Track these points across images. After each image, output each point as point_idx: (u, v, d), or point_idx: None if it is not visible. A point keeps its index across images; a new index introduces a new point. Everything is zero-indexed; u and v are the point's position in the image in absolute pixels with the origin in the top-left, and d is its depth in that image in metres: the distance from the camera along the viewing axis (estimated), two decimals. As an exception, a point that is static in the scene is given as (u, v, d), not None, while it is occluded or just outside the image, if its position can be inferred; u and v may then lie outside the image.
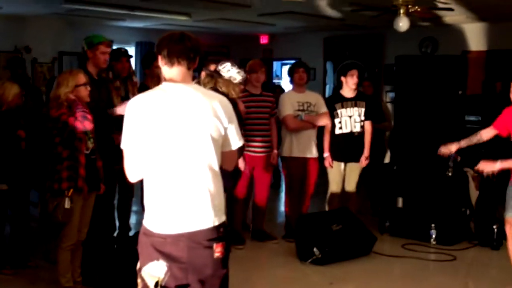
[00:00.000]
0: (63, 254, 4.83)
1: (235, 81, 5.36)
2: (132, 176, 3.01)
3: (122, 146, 2.98)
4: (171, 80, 3.04)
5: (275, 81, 14.85)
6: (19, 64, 7.45)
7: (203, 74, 5.68)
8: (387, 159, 8.27)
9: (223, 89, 5.25)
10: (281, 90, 9.69)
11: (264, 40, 14.32)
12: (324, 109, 6.78)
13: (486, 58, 10.98)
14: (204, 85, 5.23)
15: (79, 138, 4.68)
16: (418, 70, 10.60)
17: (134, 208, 6.76)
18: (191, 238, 2.92)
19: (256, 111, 6.52)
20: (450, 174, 6.86)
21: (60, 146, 4.67)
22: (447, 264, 6.17)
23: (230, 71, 5.35)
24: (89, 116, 4.68)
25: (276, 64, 15.09)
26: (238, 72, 5.42)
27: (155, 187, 2.98)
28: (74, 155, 4.67)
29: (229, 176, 3.82)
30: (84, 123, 4.64)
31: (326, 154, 6.87)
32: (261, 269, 6.10)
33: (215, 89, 5.17)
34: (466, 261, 6.19)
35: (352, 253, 6.19)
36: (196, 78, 5.31)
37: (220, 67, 5.39)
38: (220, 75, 5.33)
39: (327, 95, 12.50)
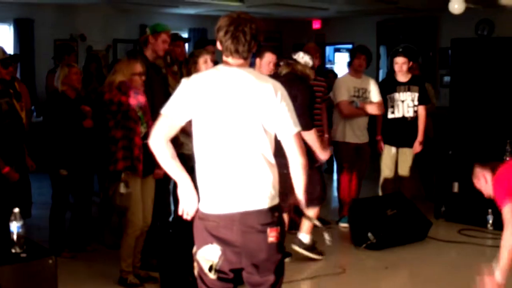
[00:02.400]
0: (127, 240, 4.89)
1: (310, 66, 5.54)
2: (155, 139, 2.97)
3: (163, 111, 2.99)
4: (226, 63, 3.03)
5: (328, 66, 14.74)
6: (67, 51, 7.54)
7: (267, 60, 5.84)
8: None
9: (302, 71, 5.45)
10: (334, 75, 9.61)
11: (316, 25, 14.20)
12: (378, 97, 6.73)
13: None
14: (281, 71, 5.50)
15: (134, 120, 4.73)
16: (474, 53, 10.33)
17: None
18: (243, 221, 2.92)
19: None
20: (507, 158, 6.68)
21: (114, 128, 4.73)
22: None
23: (304, 57, 5.50)
24: (140, 92, 4.73)
25: (329, 49, 14.95)
26: (310, 58, 5.56)
27: (207, 169, 3.00)
28: (129, 136, 4.72)
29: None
30: (137, 97, 4.69)
31: (378, 138, 6.80)
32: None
33: (293, 73, 5.39)
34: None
35: (407, 238, 6.14)
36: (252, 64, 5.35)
37: (294, 56, 5.57)
38: (296, 62, 5.48)
39: (380, 79, 12.36)
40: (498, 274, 3.61)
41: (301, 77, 5.45)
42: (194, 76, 3.07)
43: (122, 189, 4.71)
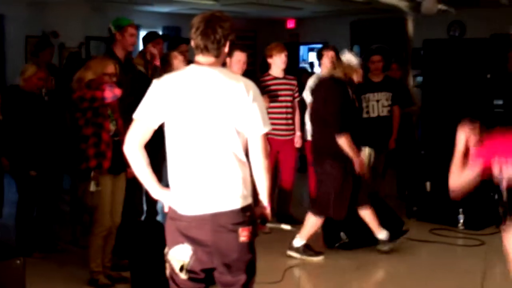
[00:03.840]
0: (95, 240, 4.82)
1: (353, 64, 5.54)
2: (129, 146, 2.98)
3: (135, 115, 2.98)
4: (198, 63, 3.01)
5: (302, 65, 14.77)
6: (41, 47, 7.42)
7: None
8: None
9: (345, 73, 5.47)
10: (308, 74, 9.60)
11: (291, 24, 14.23)
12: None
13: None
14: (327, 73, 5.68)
15: (103, 116, 4.66)
16: (446, 54, 10.42)
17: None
18: (215, 220, 2.92)
19: (279, 94, 6.51)
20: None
21: (85, 126, 4.66)
22: (475, 249, 6.09)
23: (347, 56, 5.56)
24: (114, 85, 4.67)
25: (303, 49, 14.99)
26: (355, 56, 5.63)
27: (178, 170, 2.99)
28: (99, 133, 4.65)
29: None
30: (113, 90, 4.62)
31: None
32: (286, 254, 6.07)
33: (332, 75, 5.53)
34: (495, 246, 6.05)
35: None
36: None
37: (341, 56, 5.66)
38: (340, 61, 5.57)
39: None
40: None
41: (338, 80, 5.45)
42: (165, 77, 3.04)
43: (92, 187, 4.65)
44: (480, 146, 3.74)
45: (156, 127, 2.99)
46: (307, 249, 5.68)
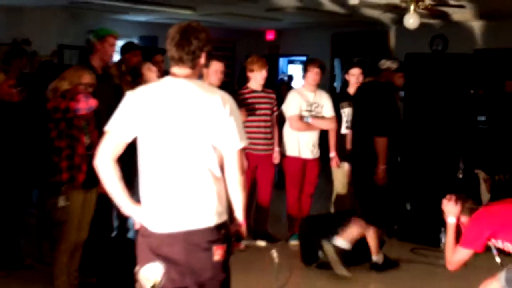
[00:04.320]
0: (60, 256, 4.73)
1: (393, 69, 5.79)
2: (100, 159, 2.97)
3: (107, 127, 2.97)
4: (173, 75, 2.99)
5: (281, 77, 14.82)
6: (13, 55, 7.32)
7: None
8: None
9: (386, 78, 5.74)
10: (287, 87, 9.63)
11: (270, 36, 14.29)
12: (331, 112, 6.75)
13: (494, 57, 10.90)
14: (364, 80, 5.98)
15: (78, 128, 4.61)
16: (428, 68, 10.52)
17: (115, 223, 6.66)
18: (188, 238, 2.90)
19: (257, 108, 6.51)
20: (460, 176, 6.79)
21: (58, 138, 4.59)
22: (458, 271, 6.09)
23: (385, 64, 5.80)
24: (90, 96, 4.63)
25: (282, 61, 15.04)
26: (392, 62, 5.86)
27: (151, 185, 2.98)
28: (73, 145, 4.60)
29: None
30: (88, 101, 4.58)
31: (333, 154, 6.82)
32: (264, 273, 6.03)
33: (376, 81, 5.76)
34: (477, 267, 6.08)
35: (358, 258, 6.11)
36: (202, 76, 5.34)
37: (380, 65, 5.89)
38: (377, 69, 5.80)
39: (334, 92, 12.45)
40: None
41: (382, 84, 5.72)
42: (139, 89, 3.03)
43: (62, 202, 4.58)
44: (470, 223, 3.85)
45: (129, 140, 2.97)
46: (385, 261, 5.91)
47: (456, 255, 3.96)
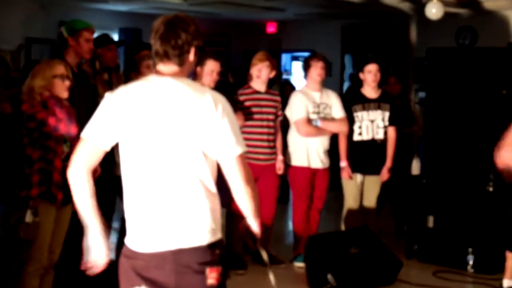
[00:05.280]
0: (29, 280, 4.74)
1: None
2: (74, 169, 3.00)
3: (83, 134, 3.00)
4: (159, 73, 3.02)
5: (283, 76, 14.81)
6: None
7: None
8: (416, 170, 8.23)
9: None
10: (291, 88, 9.66)
11: (271, 28, 14.31)
12: (341, 113, 6.78)
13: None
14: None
15: (55, 138, 4.65)
16: (454, 65, 10.54)
17: (115, 225, 6.72)
18: (178, 259, 2.91)
19: (260, 112, 6.55)
20: (491, 189, 6.82)
21: (30, 147, 4.64)
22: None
23: None
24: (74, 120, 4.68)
25: (285, 57, 15.06)
26: None
27: (135, 200, 2.99)
28: (47, 158, 4.64)
29: (226, 188, 3.80)
30: (70, 127, 4.63)
31: (344, 164, 6.86)
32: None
33: None
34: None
35: (373, 281, 6.19)
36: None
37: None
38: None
39: (344, 93, 12.48)
40: None
41: None
42: (120, 90, 3.05)
43: (29, 217, 4.59)
44: None
45: (107, 149, 3.00)
46: None
47: None
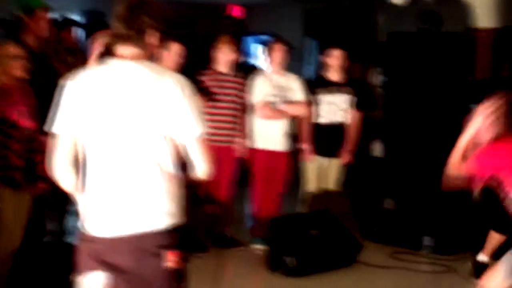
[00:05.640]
0: None
1: None
2: (56, 169, 3.01)
3: (54, 128, 2.99)
4: (120, 56, 3.01)
5: (247, 59, 14.78)
6: None
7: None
8: (377, 152, 8.28)
9: None
10: (256, 71, 9.64)
11: (236, 11, 14.25)
12: (302, 96, 6.80)
13: (496, 38, 11.02)
14: None
15: (11, 123, 4.60)
16: (415, 50, 10.60)
17: (72, 207, 6.66)
18: (137, 243, 2.91)
19: (223, 93, 6.57)
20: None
21: None
22: (442, 276, 6.25)
23: None
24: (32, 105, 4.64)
25: (249, 40, 15.00)
26: None
27: (94, 184, 2.98)
28: (5, 143, 4.59)
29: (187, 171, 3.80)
30: (29, 122, 4.59)
31: (305, 147, 6.88)
32: (225, 281, 6.09)
33: None
34: (464, 274, 6.22)
35: (332, 263, 6.23)
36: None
37: None
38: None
39: (307, 77, 12.45)
40: None
41: None
42: (80, 75, 3.02)
43: None
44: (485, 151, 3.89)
45: (81, 137, 2.99)
46: None
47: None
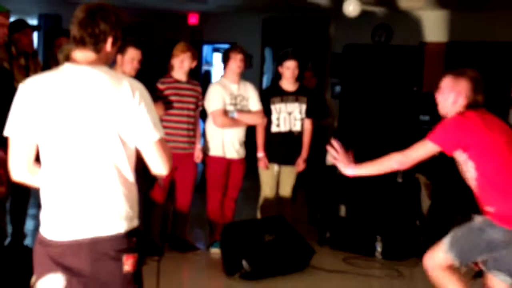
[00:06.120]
0: None
1: None
2: (15, 171, 3.00)
3: (7, 132, 2.95)
4: (75, 61, 2.99)
5: (204, 67, 14.79)
6: None
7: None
8: (330, 162, 8.35)
9: None
10: (213, 79, 9.66)
11: (193, 19, 14.22)
12: (258, 105, 6.82)
13: (446, 51, 11.22)
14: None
15: None
16: (368, 61, 10.73)
17: (31, 211, 6.60)
18: (94, 247, 2.89)
19: (180, 101, 6.55)
20: (400, 180, 6.98)
21: None
22: (393, 282, 6.31)
23: None
24: None
25: (206, 48, 15.02)
26: None
27: (51, 186, 2.96)
28: None
29: (144, 175, 3.79)
30: None
31: (261, 154, 6.90)
32: (182, 284, 6.10)
33: None
34: (415, 279, 6.31)
35: (286, 268, 6.26)
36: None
37: None
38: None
39: (264, 86, 12.49)
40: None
41: None
42: (32, 80, 3.00)
43: None
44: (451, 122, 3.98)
45: (38, 141, 2.96)
46: None
47: (417, 148, 4.06)
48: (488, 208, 4.06)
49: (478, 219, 4.16)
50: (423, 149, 4.08)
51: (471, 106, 4.10)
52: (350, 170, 4.18)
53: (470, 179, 4.10)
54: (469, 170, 4.07)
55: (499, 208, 4.01)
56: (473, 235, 4.09)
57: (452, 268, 4.20)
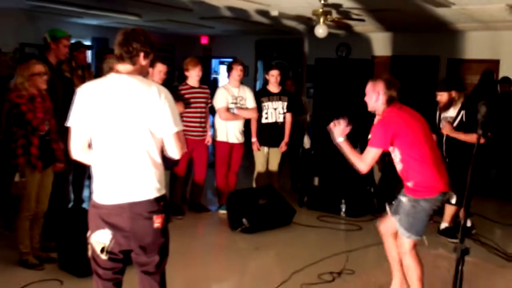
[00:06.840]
0: (21, 223, 4.66)
1: None
2: (74, 152, 2.98)
3: (69, 123, 2.94)
4: (118, 72, 2.96)
5: (213, 76, 14.78)
6: None
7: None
8: (307, 145, 8.33)
9: None
10: (219, 84, 9.58)
11: (204, 40, 14.17)
12: (253, 104, 6.77)
13: (390, 62, 11.19)
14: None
15: (29, 122, 4.48)
16: (334, 70, 10.70)
17: (87, 183, 6.58)
18: (132, 209, 2.89)
19: (194, 102, 6.49)
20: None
21: (15, 126, 4.48)
22: (354, 233, 6.30)
23: None
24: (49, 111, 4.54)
25: (214, 62, 14.98)
26: None
27: (101, 165, 2.96)
28: (27, 136, 4.49)
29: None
30: (42, 126, 4.48)
31: (254, 139, 6.88)
32: (198, 237, 6.07)
33: None
34: (370, 231, 6.30)
35: (275, 224, 6.24)
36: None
37: None
38: None
39: (257, 89, 12.46)
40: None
41: None
42: (87, 85, 3.00)
43: (17, 178, 4.48)
44: (377, 126, 3.87)
45: (91, 130, 2.94)
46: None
47: (367, 155, 3.91)
48: (409, 184, 3.92)
49: (403, 201, 3.95)
50: (371, 154, 3.91)
51: (389, 100, 4.00)
52: (339, 139, 4.03)
53: (397, 162, 3.98)
54: (395, 154, 3.96)
55: (416, 181, 3.87)
56: (415, 213, 3.87)
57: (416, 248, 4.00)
